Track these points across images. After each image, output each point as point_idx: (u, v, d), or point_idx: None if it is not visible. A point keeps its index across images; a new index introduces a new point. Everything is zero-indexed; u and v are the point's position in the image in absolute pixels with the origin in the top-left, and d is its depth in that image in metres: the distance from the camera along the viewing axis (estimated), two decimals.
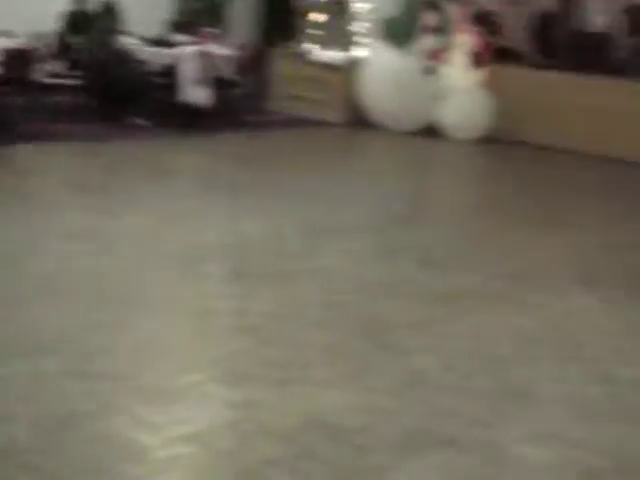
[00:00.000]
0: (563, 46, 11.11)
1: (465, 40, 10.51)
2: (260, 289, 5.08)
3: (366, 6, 11.17)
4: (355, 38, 11.28)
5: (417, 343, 4.44)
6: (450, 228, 7.00)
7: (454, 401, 3.83)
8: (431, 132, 10.66)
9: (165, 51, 10.49)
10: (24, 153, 8.48)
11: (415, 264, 5.78)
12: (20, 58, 9.43)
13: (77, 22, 10.85)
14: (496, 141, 10.54)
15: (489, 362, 4.29)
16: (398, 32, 10.57)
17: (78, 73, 10.00)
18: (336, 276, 5.47)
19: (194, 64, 9.97)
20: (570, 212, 7.68)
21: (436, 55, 10.55)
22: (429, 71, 10.52)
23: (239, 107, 10.96)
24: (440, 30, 10.55)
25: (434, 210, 7.96)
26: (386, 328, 4.62)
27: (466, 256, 6.13)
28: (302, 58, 11.45)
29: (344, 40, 11.37)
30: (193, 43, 10.39)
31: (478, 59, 10.47)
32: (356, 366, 4.13)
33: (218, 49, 10.42)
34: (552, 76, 10.57)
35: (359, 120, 11.00)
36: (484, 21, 11.21)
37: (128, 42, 10.27)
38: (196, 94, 9.99)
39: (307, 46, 11.55)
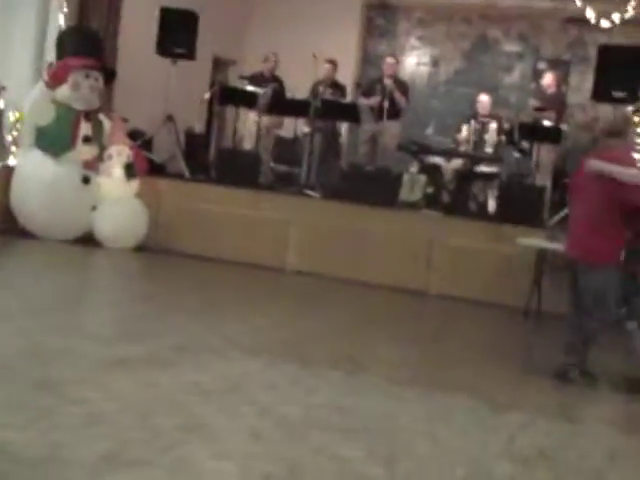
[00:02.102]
0: (213, 162, 11.88)
1: (120, 151, 10.87)
2: None
3: (17, 114, 11.13)
4: (8, 146, 11.18)
5: (92, 395, 4.54)
6: (101, 312, 7.26)
7: (136, 433, 3.98)
8: (88, 241, 10.71)
9: None
10: None
11: (82, 339, 5.87)
12: None
13: None
14: (151, 250, 10.89)
15: (166, 405, 4.51)
16: (51, 141, 10.64)
17: None
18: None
19: None
20: (225, 303, 8.16)
21: (91, 164, 10.75)
22: (85, 180, 10.65)
23: None
24: (95, 140, 10.79)
25: (94, 297, 8.12)
26: (62, 384, 4.68)
27: (129, 332, 6.36)
28: None
29: None
30: None
31: (133, 170, 10.85)
32: (34, 414, 4.14)
33: None
34: (203, 189, 11.23)
35: (14, 229, 10.76)
36: (136, 136, 11.72)
37: None
38: None
39: None
